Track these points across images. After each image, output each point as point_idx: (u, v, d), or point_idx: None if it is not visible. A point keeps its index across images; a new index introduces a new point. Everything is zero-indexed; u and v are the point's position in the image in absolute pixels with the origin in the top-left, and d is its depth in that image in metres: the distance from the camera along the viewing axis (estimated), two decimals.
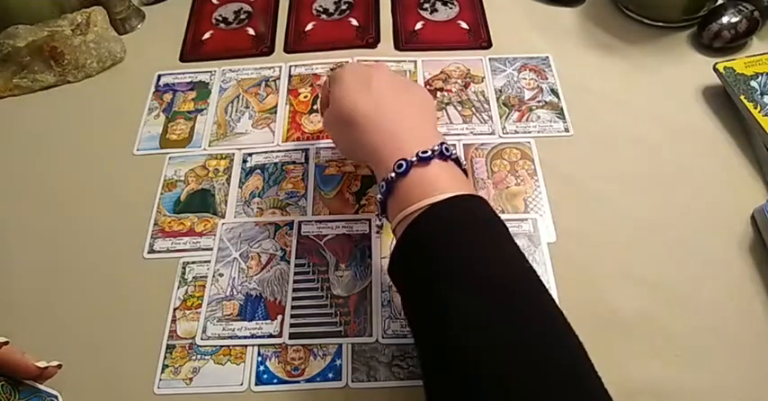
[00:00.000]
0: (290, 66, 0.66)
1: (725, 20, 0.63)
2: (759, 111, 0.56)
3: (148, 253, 0.53)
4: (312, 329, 0.48)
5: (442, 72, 0.65)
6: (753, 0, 0.63)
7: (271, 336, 0.48)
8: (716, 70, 0.59)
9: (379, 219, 0.44)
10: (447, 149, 0.40)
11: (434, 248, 0.36)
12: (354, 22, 0.70)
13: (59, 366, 0.42)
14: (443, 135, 0.59)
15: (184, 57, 0.68)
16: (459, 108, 0.62)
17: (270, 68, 0.66)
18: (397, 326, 0.48)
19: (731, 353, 0.46)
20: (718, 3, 0.65)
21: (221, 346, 0.48)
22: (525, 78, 0.64)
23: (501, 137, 0.59)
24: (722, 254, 0.51)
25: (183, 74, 0.66)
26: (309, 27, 0.70)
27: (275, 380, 0.46)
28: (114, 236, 0.54)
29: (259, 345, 0.48)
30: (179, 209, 0.56)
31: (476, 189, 0.55)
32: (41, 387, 0.41)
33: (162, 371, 0.47)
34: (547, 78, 0.64)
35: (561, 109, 0.61)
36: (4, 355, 0.39)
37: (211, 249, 0.53)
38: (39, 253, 0.53)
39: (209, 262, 0.52)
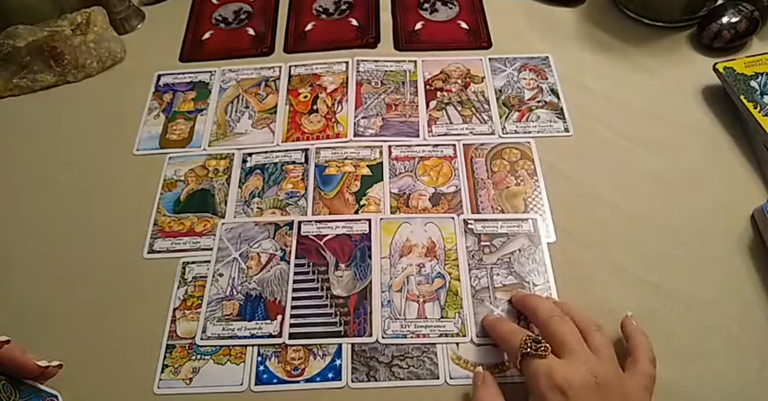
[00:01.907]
0: (290, 66, 0.66)
1: (725, 20, 0.63)
2: (759, 111, 0.56)
3: (148, 253, 0.53)
4: (312, 329, 0.48)
5: (441, 72, 0.65)
6: (753, 0, 0.63)
7: (270, 336, 0.48)
8: (716, 70, 0.59)
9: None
10: None
11: None
12: (354, 22, 0.70)
13: (60, 366, 0.42)
14: (443, 135, 0.60)
15: (184, 58, 0.68)
16: (459, 108, 0.62)
17: (270, 68, 0.66)
18: (396, 326, 0.48)
19: (731, 353, 0.46)
20: (718, 3, 0.65)
21: (221, 346, 0.48)
22: (525, 78, 0.64)
23: (501, 137, 0.59)
24: (722, 254, 0.51)
25: (183, 74, 0.66)
26: (309, 27, 0.70)
27: (275, 380, 0.46)
28: (114, 236, 0.54)
29: (259, 345, 0.48)
30: (179, 209, 0.56)
31: (476, 189, 0.55)
32: (42, 386, 0.41)
33: (162, 371, 0.47)
34: (547, 78, 0.64)
35: (561, 109, 0.61)
36: (5, 354, 0.39)
37: (211, 249, 0.53)
38: (38, 252, 0.53)
39: (208, 262, 0.52)
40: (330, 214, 0.54)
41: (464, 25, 0.70)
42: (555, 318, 0.41)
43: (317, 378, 0.46)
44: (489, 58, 0.66)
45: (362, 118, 0.61)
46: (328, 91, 0.64)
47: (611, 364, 0.39)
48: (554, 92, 0.63)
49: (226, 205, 0.56)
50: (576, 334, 0.40)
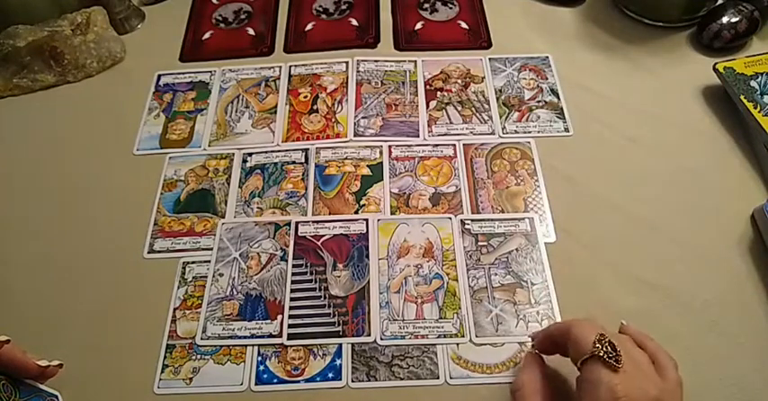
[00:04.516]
0: (290, 66, 0.66)
1: (725, 20, 0.63)
2: (759, 111, 0.56)
3: (148, 253, 0.53)
4: (310, 329, 0.48)
5: (441, 72, 0.65)
6: (753, 0, 0.63)
7: (271, 336, 0.48)
8: (716, 70, 0.59)
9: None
10: None
11: None
12: (354, 22, 0.70)
13: (60, 365, 0.42)
14: (443, 135, 0.60)
15: (184, 58, 0.68)
16: (459, 108, 0.62)
17: (270, 68, 0.66)
18: (395, 328, 0.48)
19: (731, 353, 0.46)
20: (718, 3, 0.65)
21: (221, 346, 0.48)
22: (525, 78, 0.64)
23: (501, 137, 0.59)
24: (722, 254, 0.51)
25: (183, 74, 0.66)
26: (309, 27, 0.70)
27: (275, 380, 0.46)
28: (114, 236, 0.54)
29: (259, 345, 0.48)
30: (179, 208, 0.56)
31: (476, 189, 0.56)
32: (42, 386, 0.41)
33: (162, 371, 0.47)
34: (547, 78, 0.64)
35: (561, 109, 0.61)
36: (4, 354, 0.39)
37: (211, 249, 0.53)
38: (39, 252, 0.53)
39: (209, 262, 0.52)
40: (330, 214, 0.54)
41: (464, 25, 0.70)
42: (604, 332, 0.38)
43: (318, 378, 0.46)
44: (489, 58, 0.66)
45: (362, 118, 0.61)
46: (328, 91, 0.64)
47: (657, 379, 0.37)
48: (554, 92, 0.62)
49: (226, 205, 0.56)
50: (621, 347, 0.37)
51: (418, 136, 0.59)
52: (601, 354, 0.36)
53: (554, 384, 0.42)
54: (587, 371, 0.36)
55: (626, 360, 0.36)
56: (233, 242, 0.53)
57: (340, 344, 0.47)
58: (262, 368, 0.46)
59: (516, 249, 0.51)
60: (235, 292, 0.50)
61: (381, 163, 0.58)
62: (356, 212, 0.54)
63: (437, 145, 0.59)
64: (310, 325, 0.48)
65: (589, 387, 0.36)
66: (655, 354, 0.39)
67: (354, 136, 0.60)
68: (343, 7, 0.72)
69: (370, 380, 0.45)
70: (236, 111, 0.63)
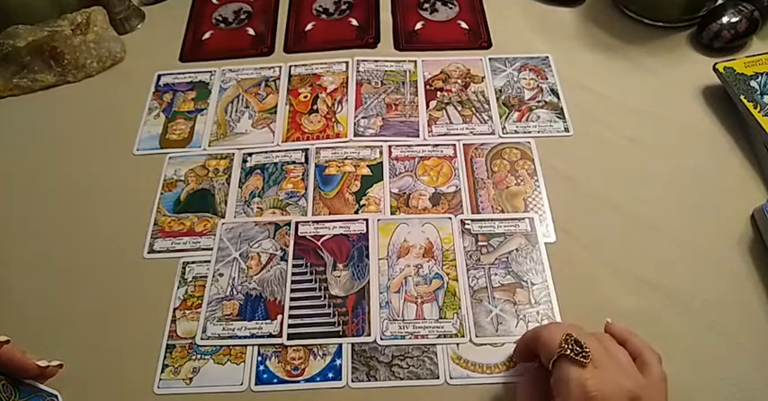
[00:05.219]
0: (290, 66, 0.66)
1: (725, 20, 0.63)
2: (759, 111, 0.56)
3: (148, 253, 0.53)
4: (310, 329, 0.48)
5: (441, 72, 0.65)
6: (753, 0, 0.63)
7: (271, 336, 0.48)
8: (716, 70, 0.59)
9: None
10: None
11: None
12: (354, 22, 0.70)
13: (60, 365, 0.42)
14: (443, 135, 0.60)
15: (184, 58, 0.68)
16: (459, 108, 0.62)
17: (270, 68, 0.66)
18: (395, 328, 0.48)
19: (731, 353, 0.46)
20: (718, 3, 0.65)
21: (221, 346, 0.48)
22: (525, 78, 0.64)
23: (501, 137, 0.59)
24: (722, 254, 0.51)
25: (183, 74, 0.66)
26: (309, 27, 0.70)
27: (275, 380, 0.46)
28: (114, 236, 0.54)
29: (259, 345, 0.48)
30: (179, 208, 0.56)
31: (476, 189, 0.56)
32: (42, 386, 0.41)
33: (162, 371, 0.47)
34: (547, 78, 0.64)
35: (561, 109, 0.61)
36: (4, 354, 0.39)
37: (211, 249, 0.53)
38: (39, 253, 0.53)
39: (209, 262, 0.52)
40: (330, 214, 0.54)
41: (464, 25, 0.70)
42: (574, 332, 0.38)
43: (318, 378, 0.46)
44: (489, 58, 0.66)
45: (362, 118, 0.61)
46: (328, 91, 0.64)
47: (635, 375, 0.37)
48: (554, 92, 0.62)
49: (226, 205, 0.56)
50: (598, 345, 0.37)
51: (418, 136, 0.59)
52: (567, 353, 0.36)
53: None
54: (557, 371, 0.37)
55: (600, 357, 0.36)
56: (233, 242, 0.53)
57: (340, 344, 0.47)
58: (262, 368, 0.46)
59: (516, 249, 0.51)
60: (235, 292, 0.50)
61: (381, 163, 0.58)
62: (356, 212, 0.54)
63: (437, 145, 0.59)
64: (310, 325, 0.48)
65: (561, 385, 0.36)
66: (638, 350, 0.39)
67: (354, 136, 0.60)
68: (343, 7, 0.72)
69: (370, 380, 0.45)
70: (236, 111, 0.63)
